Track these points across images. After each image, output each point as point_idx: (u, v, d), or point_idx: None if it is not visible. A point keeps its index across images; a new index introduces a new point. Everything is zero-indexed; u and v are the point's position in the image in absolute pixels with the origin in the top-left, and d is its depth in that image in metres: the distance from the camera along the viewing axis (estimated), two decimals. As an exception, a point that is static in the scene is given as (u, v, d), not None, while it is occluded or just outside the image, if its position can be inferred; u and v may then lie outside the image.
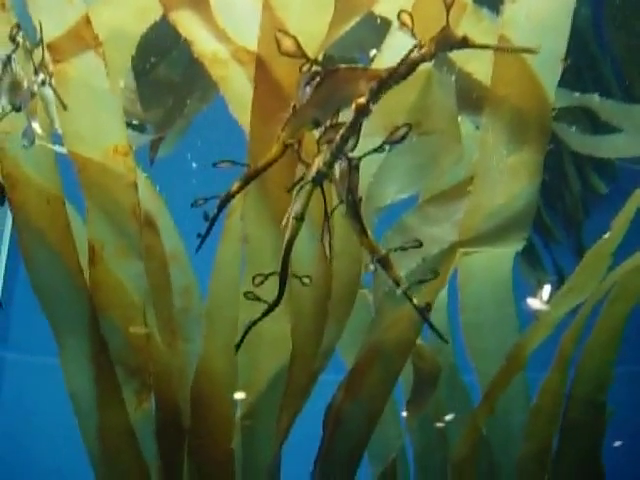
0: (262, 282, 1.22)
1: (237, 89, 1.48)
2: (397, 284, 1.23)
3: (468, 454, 1.82)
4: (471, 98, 1.49)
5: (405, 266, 1.55)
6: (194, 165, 2.31)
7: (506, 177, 1.48)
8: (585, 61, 2.30)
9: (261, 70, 1.36)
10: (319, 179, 1.13)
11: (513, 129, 1.48)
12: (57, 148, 1.54)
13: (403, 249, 1.25)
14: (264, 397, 1.67)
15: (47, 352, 1.66)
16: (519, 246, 1.59)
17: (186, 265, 1.78)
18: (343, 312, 1.59)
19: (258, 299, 1.21)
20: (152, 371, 1.66)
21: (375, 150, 1.17)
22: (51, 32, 1.42)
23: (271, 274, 1.21)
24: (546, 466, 1.82)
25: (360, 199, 1.21)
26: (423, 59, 1.28)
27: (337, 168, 1.19)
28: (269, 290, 1.21)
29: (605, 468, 1.93)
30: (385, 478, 1.87)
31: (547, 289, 1.76)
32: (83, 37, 1.44)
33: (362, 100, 1.09)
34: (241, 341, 1.28)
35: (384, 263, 1.24)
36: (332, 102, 1.26)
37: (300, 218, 1.17)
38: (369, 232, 1.22)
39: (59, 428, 1.92)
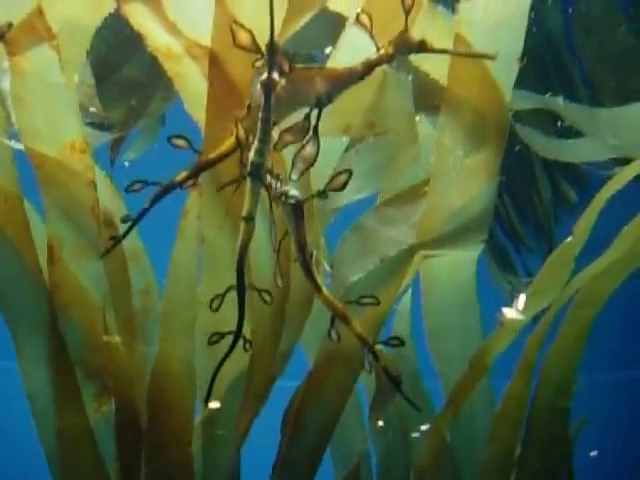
0: (219, 306, 1.19)
1: (191, 85, 1.46)
2: (361, 340, 1.21)
3: (431, 459, 1.80)
4: (429, 98, 1.48)
5: (363, 268, 1.54)
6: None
7: (463, 178, 1.47)
8: (555, 66, 2.30)
9: (215, 66, 1.34)
10: (255, 171, 1.11)
11: (470, 129, 1.46)
12: (14, 144, 1.52)
13: (359, 304, 1.25)
14: (224, 401, 1.66)
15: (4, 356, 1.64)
16: (478, 249, 1.58)
17: (146, 265, 1.76)
18: (301, 316, 1.58)
19: (222, 335, 1.19)
20: (111, 373, 1.64)
21: (318, 195, 1.16)
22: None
23: (228, 290, 1.19)
24: (510, 472, 1.81)
25: (311, 255, 1.19)
26: (381, 61, 1.28)
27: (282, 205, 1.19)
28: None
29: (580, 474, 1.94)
30: (348, 483, 1.86)
31: (521, 295, 1.75)
32: (36, 29, 1.42)
33: (264, 77, 1.07)
34: (210, 389, 1.26)
35: (343, 319, 1.22)
36: (288, 102, 1.25)
37: (249, 218, 1.15)
38: (324, 289, 1.20)
39: (18, 430, 1.90)
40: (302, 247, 1.18)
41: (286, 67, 1.07)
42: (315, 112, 1.18)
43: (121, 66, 1.91)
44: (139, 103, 1.96)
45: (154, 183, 1.18)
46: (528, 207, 2.50)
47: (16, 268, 1.58)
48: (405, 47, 1.30)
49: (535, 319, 1.75)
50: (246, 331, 1.51)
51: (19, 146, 1.52)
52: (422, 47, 1.31)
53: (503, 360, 1.75)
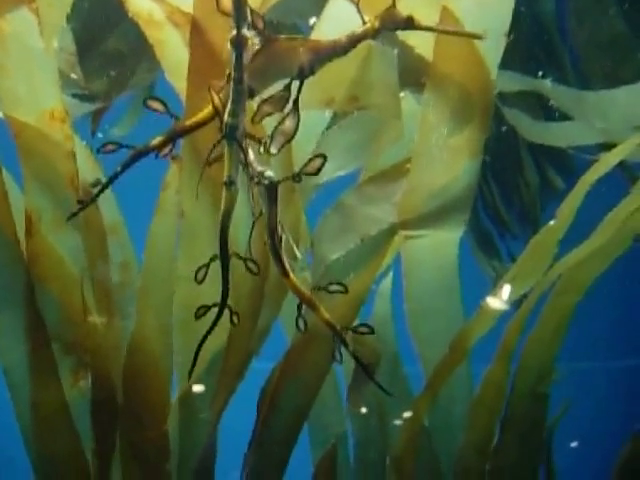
0: (204, 277, 1.17)
1: (173, 53, 1.43)
2: (329, 327, 1.20)
3: (409, 443, 1.79)
4: (414, 74, 1.45)
5: (343, 246, 1.53)
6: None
7: (447, 156, 1.45)
8: (546, 50, 2.28)
9: (197, 34, 1.32)
10: (231, 133, 1.09)
11: (455, 106, 1.44)
12: (-7, 112, 1.49)
13: (328, 291, 1.23)
14: (201, 378, 1.64)
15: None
16: (460, 230, 1.56)
17: (125, 239, 1.74)
18: (279, 294, 1.56)
19: (209, 307, 1.17)
20: (88, 347, 1.63)
21: (292, 178, 1.14)
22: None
23: (213, 260, 1.16)
24: (487, 457, 1.80)
25: (280, 239, 1.17)
26: (366, 35, 1.26)
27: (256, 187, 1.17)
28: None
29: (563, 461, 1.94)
30: (325, 464, 1.85)
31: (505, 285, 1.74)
32: (15, -9, 1.40)
33: (233, 33, 1.04)
34: (193, 365, 1.25)
35: (311, 306, 1.20)
36: (269, 72, 1.22)
37: (230, 183, 1.12)
38: (291, 274, 1.18)
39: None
40: (272, 230, 1.15)
41: (260, 24, 1.05)
42: (296, 84, 1.15)
43: (105, 37, 1.88)
44: (122, 74, 1.93)
45: (128, 146, 1.15)
46: (514, 193, 2.49)
47: (-6, 239, 1.56)
48: (392, 23, 1.28)
49: (516, 304, 1.74)
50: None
51: (-2, 114, 1.49)
52: (409, 24, 1.29)
53: (482, 344, 1.74)
